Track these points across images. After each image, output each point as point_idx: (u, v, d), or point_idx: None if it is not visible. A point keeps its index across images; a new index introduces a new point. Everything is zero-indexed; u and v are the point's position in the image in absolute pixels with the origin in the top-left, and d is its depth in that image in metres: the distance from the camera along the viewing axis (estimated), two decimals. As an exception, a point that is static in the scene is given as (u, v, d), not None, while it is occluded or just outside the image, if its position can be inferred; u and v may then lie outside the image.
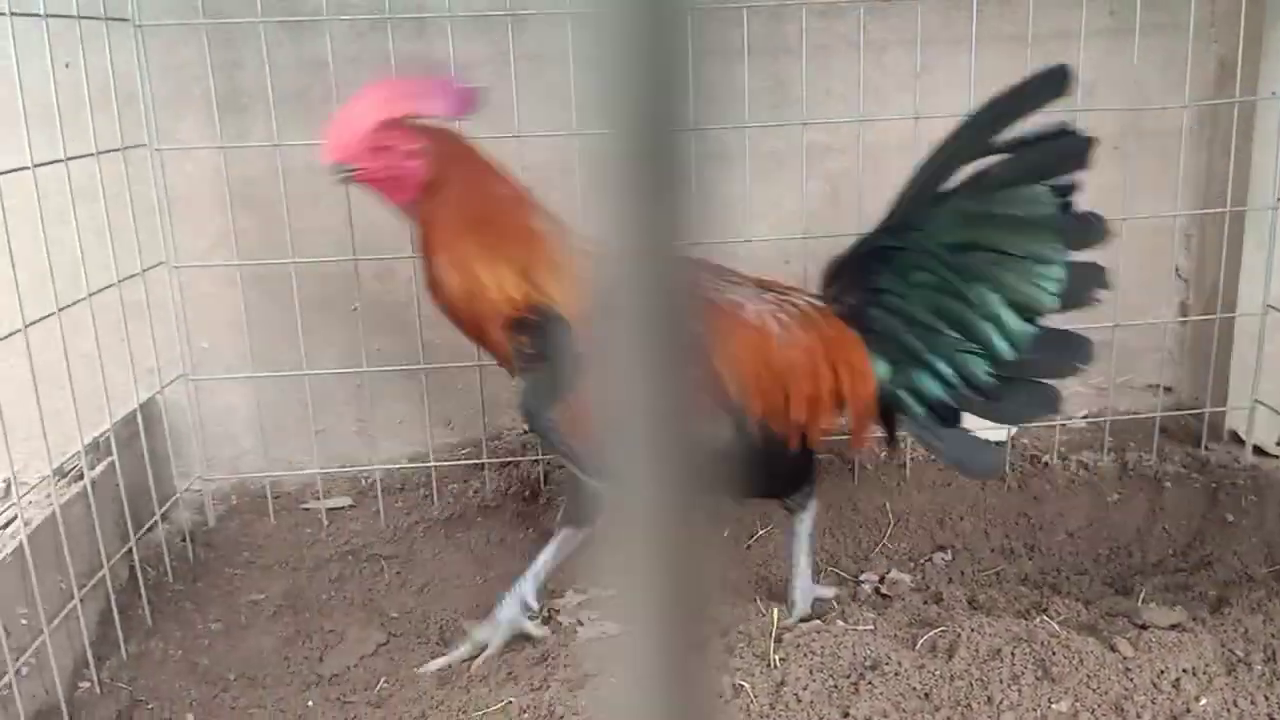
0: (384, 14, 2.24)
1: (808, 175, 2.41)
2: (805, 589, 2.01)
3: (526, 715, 1.72)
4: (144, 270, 2.14)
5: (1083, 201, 1.79)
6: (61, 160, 1.85)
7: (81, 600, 1.90)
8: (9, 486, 2.47)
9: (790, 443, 1.82)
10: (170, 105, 2.31)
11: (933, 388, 1.84)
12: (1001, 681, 1.69)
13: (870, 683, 1.69)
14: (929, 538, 2.37)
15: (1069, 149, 1.73)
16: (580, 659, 1.95)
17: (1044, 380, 1.83)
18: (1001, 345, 1.79)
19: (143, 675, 1.98)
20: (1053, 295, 1.77)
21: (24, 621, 1.77)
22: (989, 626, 1.82)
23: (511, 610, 1.97)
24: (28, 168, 1.75)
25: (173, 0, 2.23)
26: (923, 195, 1.80)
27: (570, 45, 2.28)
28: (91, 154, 1.95)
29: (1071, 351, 1.81)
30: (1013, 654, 1.74)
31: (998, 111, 1.74)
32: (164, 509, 2.26)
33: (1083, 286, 1.78)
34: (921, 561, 2.29)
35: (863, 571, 2.25)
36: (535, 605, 2.00)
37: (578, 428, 1.68)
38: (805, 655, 1.77)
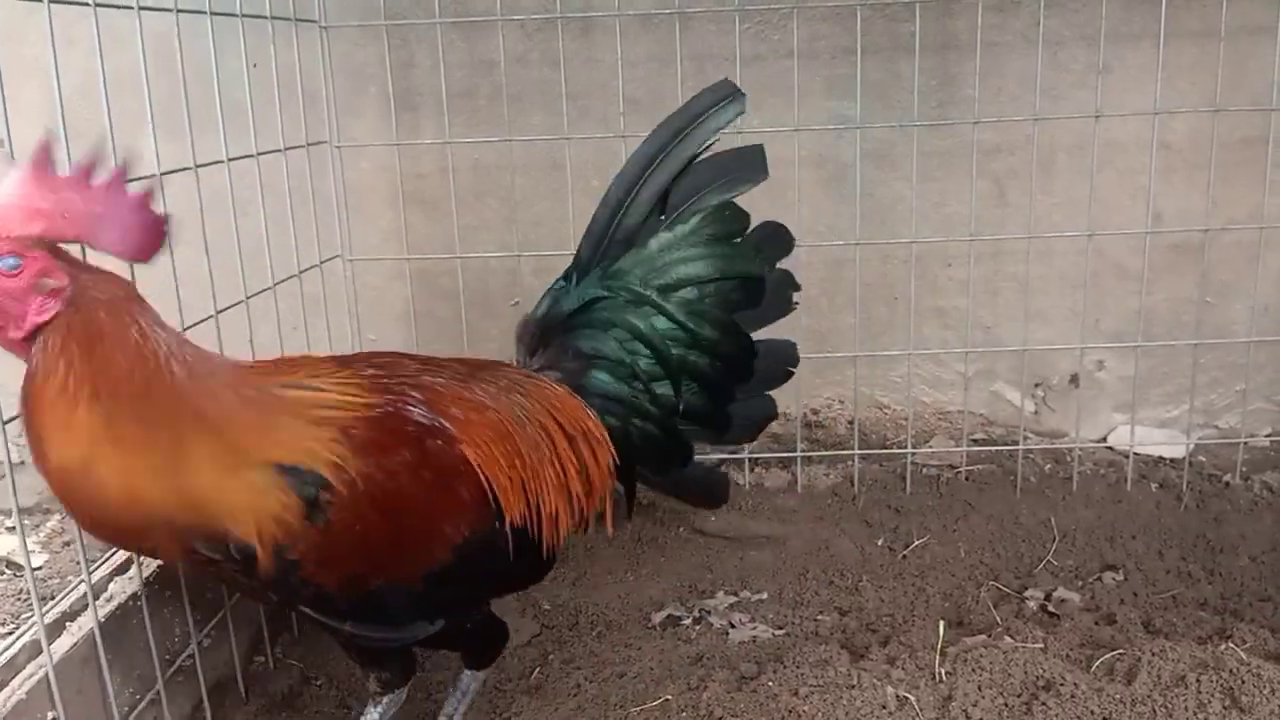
0: (554, 13, 2.27)
1: (975, 175, 2.34)
2: None
3: (685, 714, 1.71)
4: (322, 262, 2.22)
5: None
6: (252, 155, 1.93)
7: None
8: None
9: (544, 535, 1.60)
10: (347, 104, 2.39)
11: (657, 435, 1.74)
12: (1187, 709, 1.60)
13: (1044, 704, 1.62)
14: (1098, 556, 2.26)
15: (746, 158, 1.69)
16: (736, 660, 1.93)
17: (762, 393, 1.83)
18: (718, 371, 1.74)
19: (312, 653, 2.05)
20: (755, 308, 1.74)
21: (208, 595, 1.85)
22: (1171, 651, 1.73)
23: None
24: (222, 161, 1.83)
25: (355, 2, 2.31)
26: (615, 232, 1.69)
27: (736, 44, 2.27)
28: (279, 150, 2.03)
29: (779, 358, 1.81)
30: (1198, 681, 1.65)
31: (672, 130, 1.66)
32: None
33: (781, 295, 1.76)
34: (1090, 580, 2.19)
35: (1026, 588, 2.17)
36: None
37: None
38: (973, 671, 1.71)
